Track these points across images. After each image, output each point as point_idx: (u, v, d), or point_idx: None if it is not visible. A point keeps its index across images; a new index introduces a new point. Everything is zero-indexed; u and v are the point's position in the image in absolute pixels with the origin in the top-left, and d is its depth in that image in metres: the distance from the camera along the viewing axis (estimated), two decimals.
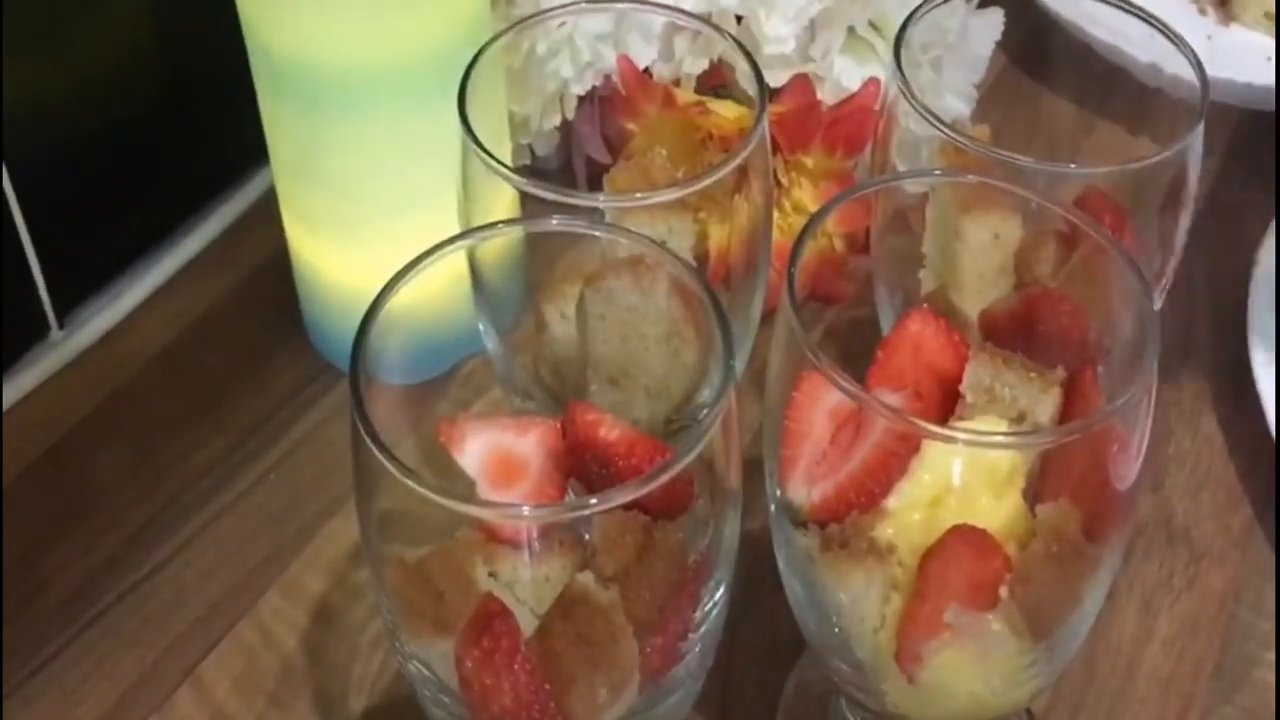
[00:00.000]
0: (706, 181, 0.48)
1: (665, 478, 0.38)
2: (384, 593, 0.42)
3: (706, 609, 0.43)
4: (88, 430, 0.64)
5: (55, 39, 0.62)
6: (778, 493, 0.44)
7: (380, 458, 0.38)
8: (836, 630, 0.44)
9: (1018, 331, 0.45)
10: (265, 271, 0.69)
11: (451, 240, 0.44)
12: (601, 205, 0.48)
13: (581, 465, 0.42)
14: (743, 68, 0.54)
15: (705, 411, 0.40)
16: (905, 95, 0.51)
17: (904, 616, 0.41)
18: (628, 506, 0.39)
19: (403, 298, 0.42)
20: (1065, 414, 0.43)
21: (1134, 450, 0.41)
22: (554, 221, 0.47)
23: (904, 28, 0.54)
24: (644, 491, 0.38)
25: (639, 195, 0.48)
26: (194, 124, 0.69)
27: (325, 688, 0.56)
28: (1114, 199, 0.51)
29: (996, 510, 0.41)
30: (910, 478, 0.41)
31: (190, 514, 0.61)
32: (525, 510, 0.41)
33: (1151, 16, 0.54)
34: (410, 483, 0.38)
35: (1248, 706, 0.56)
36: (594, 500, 0.39)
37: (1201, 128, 0.51)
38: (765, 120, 0.50)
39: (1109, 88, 0.58)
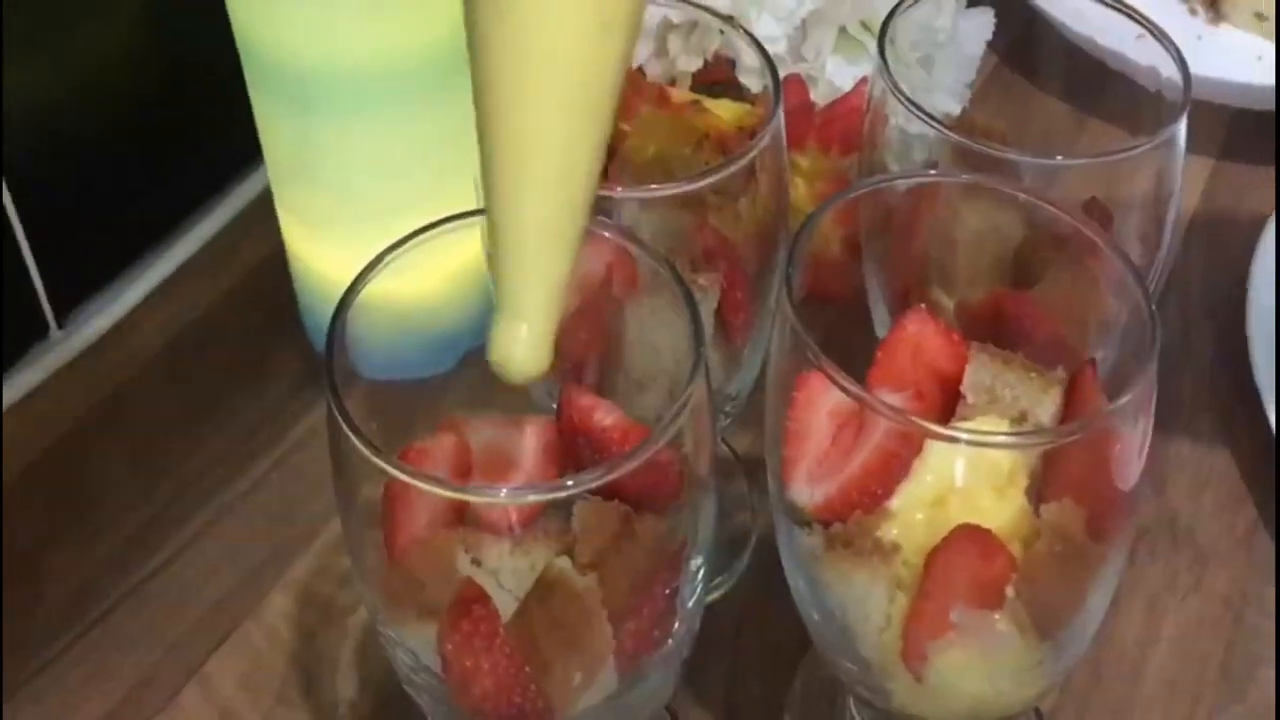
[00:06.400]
0: (726, 172, 0.48)
1: (634, 464, 0.38)
2: (366, 581, 0.42)
3: (684, 597, 0.43)
4: (88, 430, 0.64)
5: (54, 39, 0.62)
6: (781, 493, 0.44)
7: (356, 442, 0.38)
8: (841, 629, 0.44)
9: (990, 330, 0.45)
10: (264, 271, 0.69)
11: (436, 224, 0.43)
12: (618, 196, 0.47)
13: (576, 454, 0.42)
14: (748, 62, 0.53)
15: (685, 394, 0.39)
16: (891, 91, 0.51)
17: (909, 616, 0.41)
18: (609, 496, 0.39)
19: (385, 285, 0.42)
20: (1066, 414, 0.43)
21: (1135, 450, 0.41)
22: None
23: (886, 24, 0.54)
24: (614, 476, 0.38)
25: (654, 186, 0.48)
26: (192, 123, 0.69)
27: (333, 685, 0.56)
28: (1101, 203, 0.51)
29: (1000, 510, 0.41)
30: (913, 478, 0.41)
31: (191, 514, 0.61)
32: (503, 493, 0.41)
33: (1138, 14, 0.54)
34: (384, 465, 0.37)
35: (1254, 706, 0.56)
36: (569, 482, 0.38)
37: (1184, 120, 0.51)
38: (780, 113, 0.49)
39: (1100, 87, 0.58)
